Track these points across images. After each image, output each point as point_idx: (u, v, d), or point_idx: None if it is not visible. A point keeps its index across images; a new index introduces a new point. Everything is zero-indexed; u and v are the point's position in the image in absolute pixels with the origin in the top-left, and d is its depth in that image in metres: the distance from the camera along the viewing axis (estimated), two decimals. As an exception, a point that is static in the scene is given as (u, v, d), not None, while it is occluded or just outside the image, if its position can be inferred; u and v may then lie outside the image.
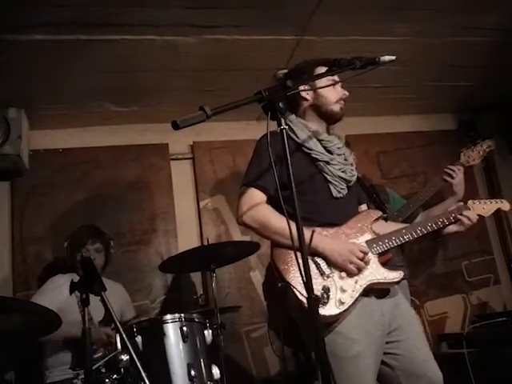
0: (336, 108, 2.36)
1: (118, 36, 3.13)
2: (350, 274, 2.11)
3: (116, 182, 4.19)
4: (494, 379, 3.39)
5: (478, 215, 2.41)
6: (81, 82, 3.56)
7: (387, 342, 2.16)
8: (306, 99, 2.37)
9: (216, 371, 2.61)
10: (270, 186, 2.19)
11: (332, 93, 2.35)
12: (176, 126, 1.57)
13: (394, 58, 1.96)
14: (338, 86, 2.37)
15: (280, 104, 1.72)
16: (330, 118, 2.38)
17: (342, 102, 2.37)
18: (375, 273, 2.15)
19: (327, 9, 3.11)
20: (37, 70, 3.36)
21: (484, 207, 2.48)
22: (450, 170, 3.39)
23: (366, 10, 3.19)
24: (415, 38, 3.57)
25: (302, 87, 2.29)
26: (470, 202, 2.45)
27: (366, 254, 2.13)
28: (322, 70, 2.27)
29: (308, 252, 1.70)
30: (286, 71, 3.71)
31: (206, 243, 3.38)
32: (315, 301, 1.64)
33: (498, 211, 2.57)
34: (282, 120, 1.74)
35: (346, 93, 2.38)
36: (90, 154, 4.19)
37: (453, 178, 3.37)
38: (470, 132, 4.93)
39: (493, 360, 3.48)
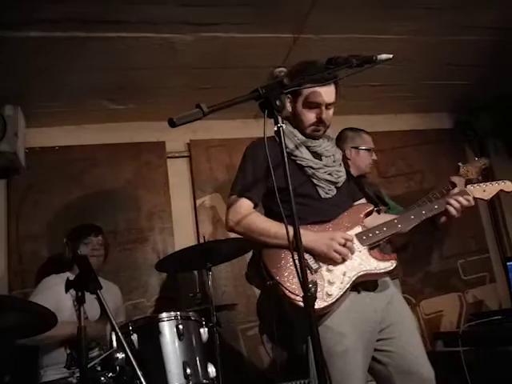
0: (308, 131, 2.29)
1: (115, 33, 3.12)
2: (337, 265, 2.11)
3: (112, 180, 4.19)
4: (489, 378, 3.39)
5: (479, 199, 2.34)
6: (77, 80, 3.55)
7: (380, 340, 2.16)
8: (287, 109, 2.30)
9: (212, 369, 2.61)
10: (257, 196, 2.26)
11: (307, 116, 2.27)
12: (172, 124, 1.57)
13: (390, 56, 1.95)
14: (322, 107, 2.24)
15: (277, 102, 1.71)
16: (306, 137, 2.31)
17: (317, 125, 2.27)
18: (365, 264, 2.14)
19: (324, 7, 3.11)
20: (33, 67, 3.34)
21: (485, 190, 2.36)
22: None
23: (362, 9, 3.19)
24: (412, 37, 3.57)
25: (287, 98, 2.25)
26: (468, 186, 2.37)
27: (348, 240, 2.12)
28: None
29: (293, 247, 1.70)
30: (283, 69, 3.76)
31: (202, 241, 3.38)
32: (310, 298, 1.62)
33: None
34: (279, 118, 1.73)
35: (327, 116, 2.26)
36: (86, 152, 4.18)
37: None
38: (468, 131, 4.94)
39: (488, 358, 3.48)
